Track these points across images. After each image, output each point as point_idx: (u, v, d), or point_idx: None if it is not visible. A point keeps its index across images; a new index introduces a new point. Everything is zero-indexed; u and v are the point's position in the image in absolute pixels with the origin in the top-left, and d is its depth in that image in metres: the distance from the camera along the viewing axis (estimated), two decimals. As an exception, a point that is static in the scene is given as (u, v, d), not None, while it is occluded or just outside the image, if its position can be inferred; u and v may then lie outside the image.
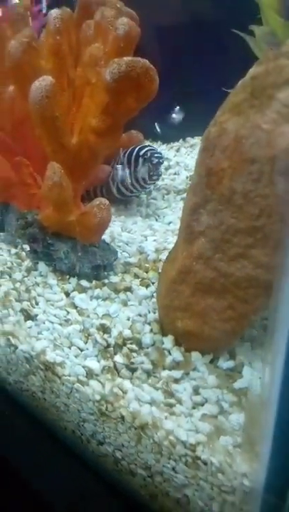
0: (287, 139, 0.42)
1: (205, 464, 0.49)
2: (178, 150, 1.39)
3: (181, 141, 1.44)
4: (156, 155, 1.01)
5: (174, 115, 1.34)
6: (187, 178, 1.20)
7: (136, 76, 0.67)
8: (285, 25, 0.91)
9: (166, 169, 1.25)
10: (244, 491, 0.47)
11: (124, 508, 0.61)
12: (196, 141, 1.42)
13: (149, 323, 0.69)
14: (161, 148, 1.40)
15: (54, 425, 0.71)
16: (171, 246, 0.84)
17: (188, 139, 1.44)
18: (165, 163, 1.25)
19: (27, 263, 0.87)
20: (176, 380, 0.59)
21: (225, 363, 0.60)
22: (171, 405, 0.56)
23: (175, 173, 1.24)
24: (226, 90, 1.05)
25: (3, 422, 0.76)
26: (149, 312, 0.71)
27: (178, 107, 1.34)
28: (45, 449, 0.70)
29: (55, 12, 0.78)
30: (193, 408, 0.55)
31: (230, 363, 0.60)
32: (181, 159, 1.30)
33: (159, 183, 1.16)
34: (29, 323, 0.74)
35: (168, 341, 0.64)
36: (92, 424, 0.62)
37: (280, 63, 0.46)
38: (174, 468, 0.53)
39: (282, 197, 0.42)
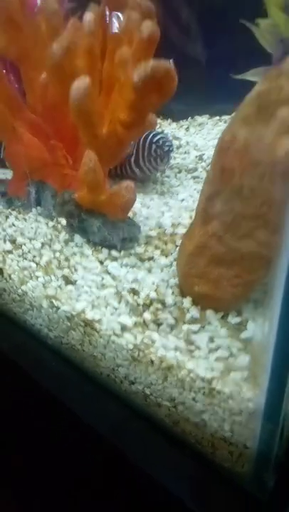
0: (285, 148, 0.54)
1: (218, 393, 0.61)
2: (187, 129, 1.46)
3: (190, 119, 1.50)
4: (167, 143, 1.13)
5: None
6: (196, 157, 1.29)
7: (159, 77, 0.77)
8: (287, 21, 1.00)
9: (177, 148, 1.33)
10: (249, 412, 0.59)
11: (152, 431, 0.72)
12: (204, 119, 1.49)
13: (170, 287, 0.78)
14: (172, 126, 1.47)
15: (91, 371, 0.80)
16: (184, 221, 0.94)
17: (197, 117, 1.50)
18: (176, 142, 1.34)
19: (64, 235, 0.97)
20: (195, 332, 0.69)
21: (233, 319, 0.70)
22: (191, 351, 0.66)
23: (185, 152, 1.32)
24: (232, 76, 1.15)
25: (48, 370, 0.85)
26: (170, 278, 0.80)
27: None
28: (86, 390, 0.80)
29: (89, 15, 0.86)
30: (209, 353, 0.66)
31: (238, 319, 0.70)
32: (190, 139, 1.37)
33: (172, 161, 1.25)
34: (69, 287, 0.83)
35: (187, 302, 0.74)
36: (125, 368, 0.72)
37: (280, 83, 0.58)
38: (194, 399, 0.64)
39: (280, 193, 0.54)
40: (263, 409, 0.55)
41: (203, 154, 1.30)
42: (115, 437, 0.73)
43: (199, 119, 1.51)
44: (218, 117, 1.50)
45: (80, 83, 0.77)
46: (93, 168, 0.83)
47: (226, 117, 1.47)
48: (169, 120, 1.51)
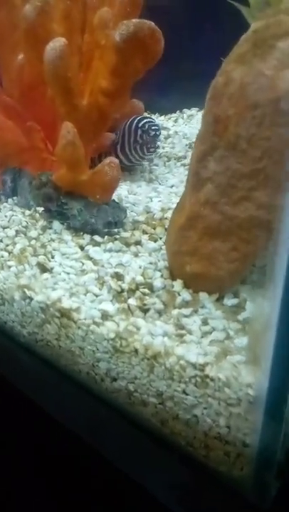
0: (288, 82, 0.47)
1: (212, 380, 0.54)
2: (176, 120, 1.43)
3: (178, 112, 1.48)
4: (153, 127, 1.06)
5: None
6: (186, 145, 1.25)
7: (143, 37, 0.71)
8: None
9: (166, 138, 1.29)
10: (249, 400, 0.51)
11: (137, 433, 0.65)
12: (193, 112, 1.47)
13: (159, 270, 0.73)
14: (160, 119, 1.45)
15: (69, 370, 0.74)
16: (175, 206, 0.89)
17: (185, 110, 1.48)
18: (164, 132, 1.30)
19: (42, 222, 0.91)
20: (186, 316, 0.63)
21: (229, 301, 0.64)
22: (181, 335, 0.60)
23: (174, 142, 1.28)
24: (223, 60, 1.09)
25: (22, 372, 0.81)
26: (159, 261, 0.75)
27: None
28: (64, 391, 0.74)
29: None
30: (202, 337, 0.59)
31: (235, 301, 0.64)
32: (179, 129, 1.35)
33: (160, 150, 1.21)
34: (45, 275, 0.77)
35: (177, 285, 0.68)
36: (106, 363, 0.66)
37: (279, 18, 0.51)
38: (184, 391, 0.57)
39: (283, 137, 0.47)
40: (265, 396, 0.48)
41: (193, 142, 1.23)
42: (97, 442, 0.69)
43: (188, 111, 1.49)
44: None
45: (56, 43, 0.71)
46: (72, 141, 0.75)
47: None
48: (156, 114, 1.48)
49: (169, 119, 1.45)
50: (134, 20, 0.70)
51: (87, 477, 0.75)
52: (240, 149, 0.53)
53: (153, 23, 0.70)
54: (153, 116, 1.43)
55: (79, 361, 0.71)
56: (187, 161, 1.16)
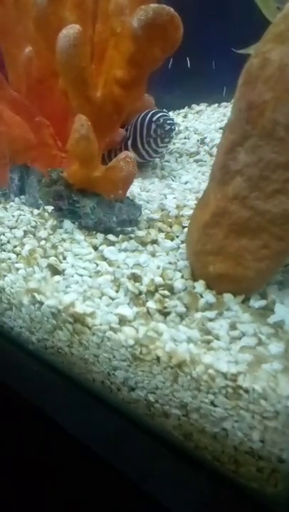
0: None
1: (246, 391, 0.50)
2: (185, 116, 1.41)
3: (186, 108, 1.45)
4: (168, 121, 1.02)
5: None
6: (198, 141, 1.21)
7: (162, 23, 0.66)
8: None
9: (177, 134, 1.26)
10: (288, 413, 0.47)
11: (157, 448, 0.61)
12: (202, 107, 1.44)
13: (179, 270, 0.68)
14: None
15: (82, 378, 0.71)
16: (190, 203, 0.86)
17: (194, 106, 1.45)
18: None
19: (51, 222, 0.87)
20: (211, 320, 0.59)
21: (257, 303, 0.60)
22: (208, 341, 0.56)
23: (185, 138, 1.25)
24: (234, 50, 1.05)
25: (31, 381, 0.77)
26: (178, 260, 0.71)
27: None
28: (76, 402, 0.71)
29: None
30: (231, 342, 0.55)
31: (262, 302, 0.60)
32: (189, 124, 1.31)
33: (171, 147, 1.18)
34: (56, 278, 0.73)
35: (199, 286, 0.64)
36: (123, 371, 0.62)
37: None
38: (212, 402, 0.53)
39: None
40: None
41: (205, 138, 1.21)
42: (113, 456, 0.66)
43: (197, 107, 1.46)
44: (216, 104, 1.44)
45: (70, 30, 0.66)
46: (86, 135, 0.71)
47: (226, 103, 1.41)
48: (165, 110, 1.42)
49: (178, 114, 1.42)
50: (153, 5, 0.66)
51: (101, 493, 0.71)
52: (276, 137, 0.49)
53: (172, 9, 0.66)
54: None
55: (93, 369, 0.67)
56: (200, 156, 1.14)
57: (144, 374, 0.60)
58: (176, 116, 1.40)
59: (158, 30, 0.67)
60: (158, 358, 0.57)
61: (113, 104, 0.76)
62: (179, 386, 0.56)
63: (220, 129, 1.24)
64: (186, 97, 1.42)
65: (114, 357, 0.63)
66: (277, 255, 0.56)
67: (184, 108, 1.45)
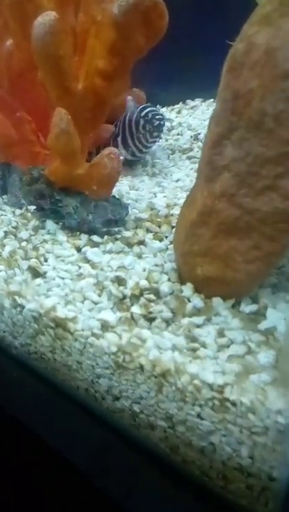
0: None
1: (234, 405, 0.47)
2: (179, 112, 1.40)
3: (181, 103, 1.44)
4: (157, 116, 1.01)
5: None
6: (191, 137, 1.20)
7: (145, 9, 0.64)
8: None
9: (169, 130, 1.25)
10: (278, 429, 0.45)
11: (143, 461, 0.60)
12: (197, 103, 1.43)
13: (166, 273, 0.67)
14: (162, 110, 1.40)
15: (66, 386, 0.69)
16: (181, 201, 0.83)
17: (188, 101, 1.44)
18: (167, 124, 1.25)
19: (33, 222, 0.85)
20: (199, 326, 0.57)
21: (247, 307, 0.58)
22: (194, 349, 0.54)
23: (178, 134, 1.24)
24: (229, 43, 1.04)
25: (12, 385, 0.75)
26: (166, 262, 0.69)
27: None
28: (60, 410, 0.70)
29: None
30: (219, 351, 0.54)
31: (254, 307, 0.58)
32: (183, 120, 1.30)
33: (163, 143, 1.17)
34: (38, 280, 0.72)
35: (187, 289, 0.63)
36: (107, 379, 0.61)
37: None
38: (198, 415, 0.51)
39: None
40: None
41: (199, 134, 1.20)
42: (95, 469, 0.64)
43: (191, 102, 1.44)
44: (212, 100, 1.41)
45: (45, 17, 0.64)
46: (66, 129, 0.68)
47: None
48: (158, 106, 1.42)
49: (172, 110, 1.41)
50: None
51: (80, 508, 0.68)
52: (265, 129, 0.46)
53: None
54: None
55: (77, 377, 0.66)
56: (193, 153, 1.13)
57: (128, 383, 0.58)
58: (170, 112, 1.39)
59: (140, 16, 0.64)
60: (141, 367, 0.55)
61: (95, 96, 0.73)
62: (164, 397, 0.54)
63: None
64: (180, 92, 1.41)
65: (97, 364, 0.61)
66: (269, 256, 0.53)
67: (178, 103, 1.44)
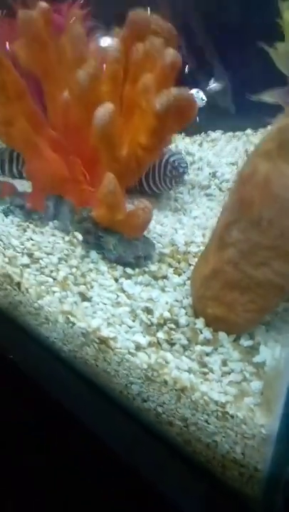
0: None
1: (232, 417, 0.61)
2: (200, 144, 1.48)
3: (203, 134, 1.52)
4: (182, 165, 1.17)
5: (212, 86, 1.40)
6: (210, 174, 1.29)
7: (180, 105, 0.79)
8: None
9: (191, 164, 1.34)
10: (262, 437, 0.59)
11: (164, 449, 0.73)
12: (217, 134, 1.51)
13: (184, 308, 0.79)
14: (185, 141, 1.49)
15: (104, 386, 0.81)
16: (197, 239, 0.97)
17: (210, 132, 1.52)
18: (189, 158, 1.35)
19: (80, 250, 0.98)
20: (208, 354, 0.71)
21: (245, 342, 0.71)
22: (204, 373, 0.68)
23: (198, 169, 1.33)
24: (249, 98, 1.16)
25: (60, 383, 0.86)
26: (184, 298, 0.81)
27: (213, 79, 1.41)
28: (98, 404, 0.81)
29: (115, 43, 0.89)
30: (222, 376, 0.67)
31: (250, 342, 0.71)
32: (204, 154, 1.39)
33: (185, 177, 1.28)
34: (85, 303, 0.83)
35: (200, 323, 0.75)
36: (138, 386, 0.73)
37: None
38: (206, 421, 0.65)
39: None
40: (275, 436, 0.56)
41: (216, 172, 1.31)
42: (126, 452, 0.75)
43: (212, 134, 1.52)
44: (231, 133, 1.51)
45: (105, 110, 0.79)
46: (113, 190, 0.84)
47: (240, 133, 1.49)
48: (183, 134, 1.52)
49: (194, 142, 1.49)
50: (173, 91, 0.78)
51: (114, 483, 0.79)
52: (261, 227, 0.61)
53: (190, 95, 0.79)
54: (179, 137, 1.49)
55: (114, 381, 0.78)
56: (210, 191, 1.23)
57: (154, 391, 0.71)
58: (192, 144, 1.47)
59: (176, 110, 0.80)
60: (166, 381, 0.68)
61: (136, 162, 0.89)
62: (182, 404, 0.67)
63: (231, 164, 1.33)
64: (203, 122, 1.49)
65: (131, 374, 0.73)
66: (262, 310, 0.69)
67: (200, 134, 1.52)
